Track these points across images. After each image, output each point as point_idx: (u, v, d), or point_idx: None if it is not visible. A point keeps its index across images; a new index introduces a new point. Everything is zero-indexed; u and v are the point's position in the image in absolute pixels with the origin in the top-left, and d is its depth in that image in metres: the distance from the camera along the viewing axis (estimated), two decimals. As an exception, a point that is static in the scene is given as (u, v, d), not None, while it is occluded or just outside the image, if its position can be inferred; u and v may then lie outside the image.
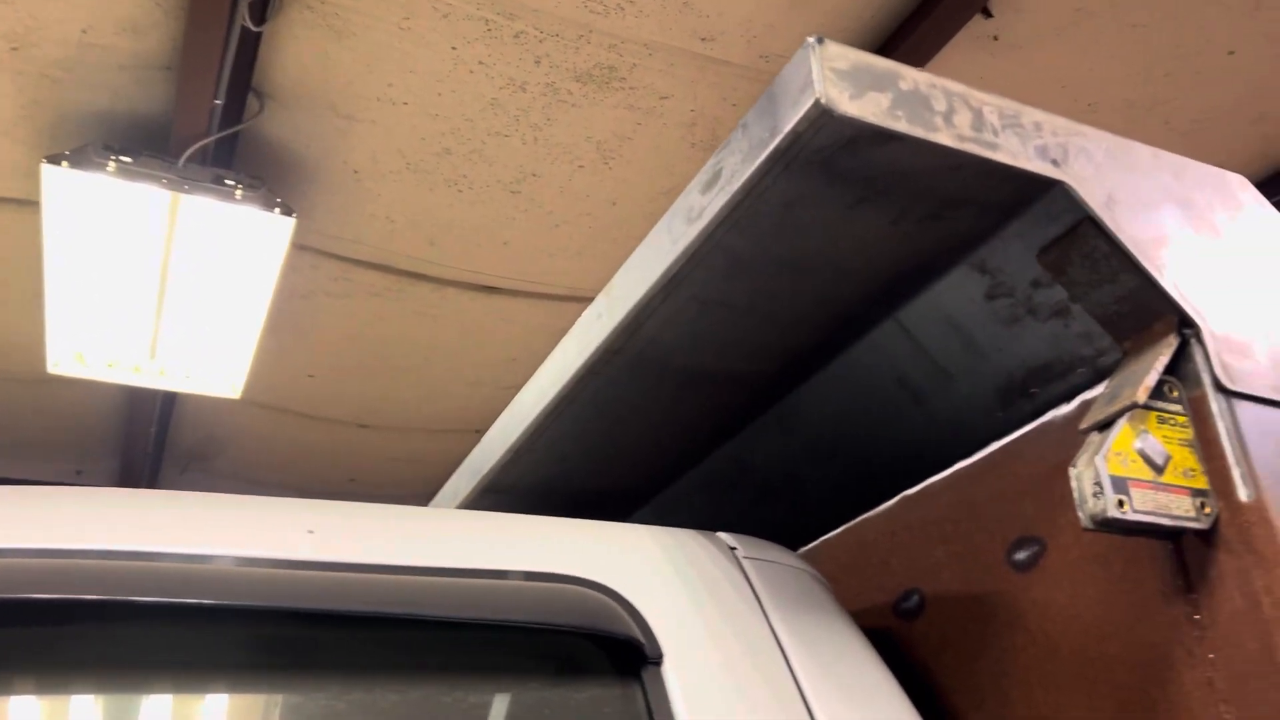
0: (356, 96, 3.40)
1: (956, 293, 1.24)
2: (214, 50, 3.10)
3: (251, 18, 3.01)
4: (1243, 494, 1.01)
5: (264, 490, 5.54)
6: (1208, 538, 1.02)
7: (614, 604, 1.08)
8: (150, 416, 4.78)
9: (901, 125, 1.01)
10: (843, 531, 1.53)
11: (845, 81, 1.00)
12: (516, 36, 3.21)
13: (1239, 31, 3.30)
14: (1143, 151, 1.15)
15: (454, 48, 3.24)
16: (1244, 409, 1.05)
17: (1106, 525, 0.98)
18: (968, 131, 1.04)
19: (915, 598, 1.36)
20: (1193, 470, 1.03)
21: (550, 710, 1.05)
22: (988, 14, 3.25)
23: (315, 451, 5.25)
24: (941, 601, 1.32)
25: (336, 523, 1.07)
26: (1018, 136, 1.07)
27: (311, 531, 1.04)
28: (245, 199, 3.43)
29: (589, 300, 1.56)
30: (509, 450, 1.59)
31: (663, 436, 1.60)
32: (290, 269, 4.01)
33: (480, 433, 1.90)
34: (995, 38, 3.33)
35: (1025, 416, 1.25)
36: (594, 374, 1.39)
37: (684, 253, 1.17)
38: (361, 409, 4.94)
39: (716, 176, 1.13)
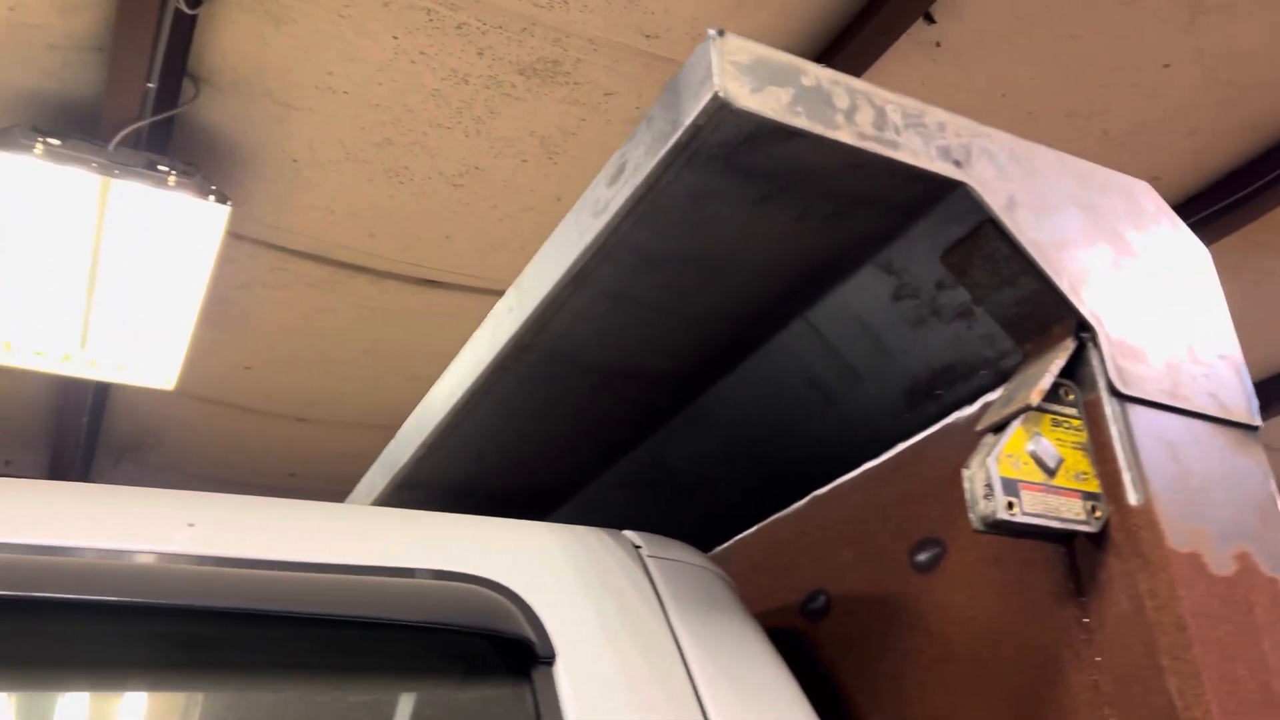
0: (295, 84, 3.33)
1: (864, 293, 1.24)
2: (146, 32, 3.02)
3: (186, 0, 2.94)
4: (1132, 498, 1.01)
5: (201, 484, 5.43)
6: (1098, 541, 1.03)
7: (507, 602, 1.06)
8: (82, 407, 4.66)
9: (802, 121, 1.00)
10: (756, 531, 1.52)
11: (746, 75, 0.99)
12: (459, 28, 3.17)
13: (1173, 45, 3.36)
14: (1047, 155, 1.15)
15: (395, 37, 3.19)
16: (1137, 413, 1.05)
17: (996, 527, 0.98)
18: (869, 130, 1.03)
19: (822, 598, 1.36)
20: (1085, 473, 1.04)
21: (436, 709, 1.03)
22: (930, 20, 3.27)
23: (253, 445, 5.15)
24: (847, 602, 1.32)
25: (219, 517, 1.03)
26: (920, 136, 1.06)
27: (191, 525, 1.00)
28: (179, 185, 3.35)
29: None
30: (422, 446, 1.56)
31: (579, 434, 1.58)
32: (226, 258, 3.92)
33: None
34: (938, 44, 3.36)
35: (931, 418, 1.25)
36: (505, 369, 1.37)
37: (590, 246, 1.16)
38: (300, 402, 4.85)
39: (621, 169, 1.11)
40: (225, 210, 3.39)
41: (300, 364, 4.60)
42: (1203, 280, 1.19)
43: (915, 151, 1.05)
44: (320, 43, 3.19)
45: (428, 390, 1.58)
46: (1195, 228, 4.44)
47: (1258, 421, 1.12)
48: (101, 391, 4.66)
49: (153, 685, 0.95)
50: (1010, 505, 0.97)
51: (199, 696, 0.98)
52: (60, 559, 0.87)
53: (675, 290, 1.26)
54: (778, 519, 1.48)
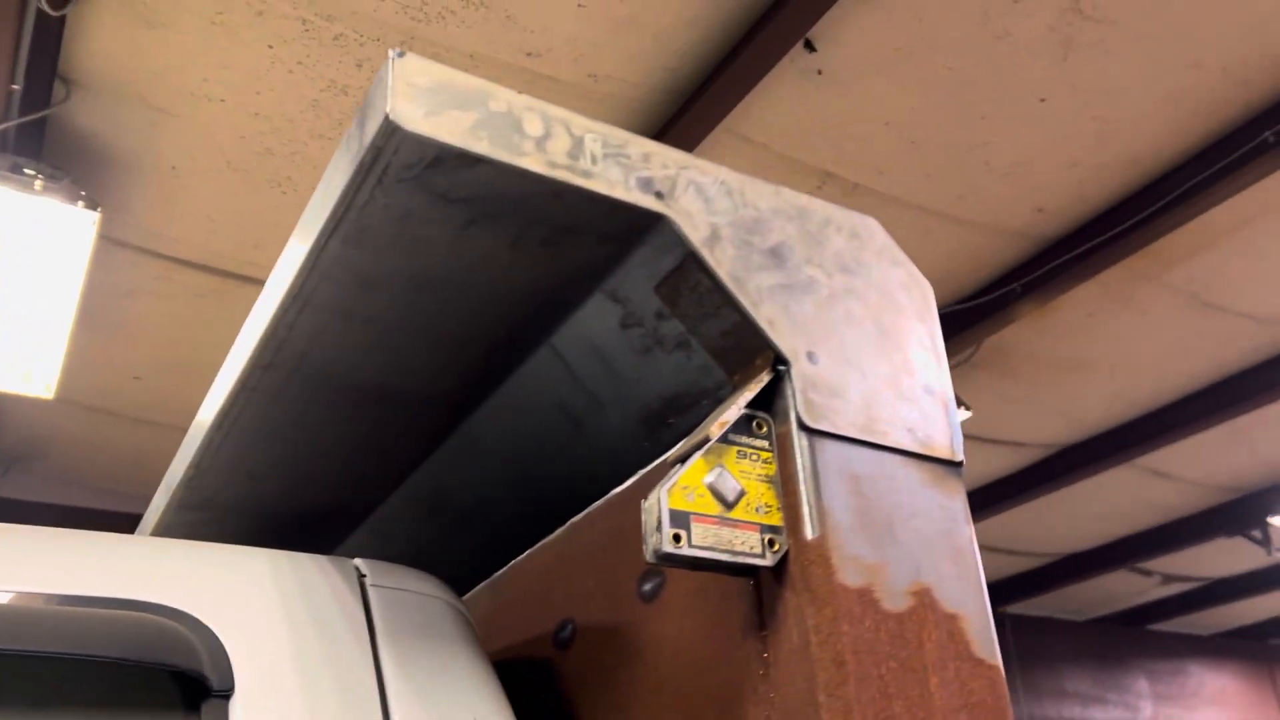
0: (170, 89, 3.28)
1: (596, 320, 1.23)
2: (8, 33, 2.96)
3: (50, 1, 2.89)
4: (809, 532, 1.01)
5: (94, 496, 5.30)
6: (778, 575, 1.02)
7: (184, 632, 1.03)
8: (-37, 414, 4.53)
9: (484, 147, 0.98)
10: (524, 559, 1.50)
11: (423, 98, 0.97)
12: (336, 39, 3.14)
13: (1049, 80, 3.43)
14: (763, 189, 1.15)
15: (271, 46, 3.15)
16: (826, 447, 1.05)
17: (666, 560, 0.97)
18: (561, 158, 1.02)
19: (569, 627, 1.34)
20: (768, 506, 1.03)
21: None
22: (811, 47, 3.30)
23: (146, 457, 5.03)
24: (588, 632, 1.30)
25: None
26: (620, 166, 1.05)
27: None
28: (46, 190, 3.28)
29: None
30: (191, 465, 1.53)
31: (354, 456, 1.55)
32: (107, 266, 3.85)
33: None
34: (819, 72, 3.39)
35: (666, 445, 1.24)
36: (251, 388, 1.34)
37: (304, 264, 1.13)
38: (193, 414, 4.75)
39: (327, 188, 1.09)
40: (95, 216, 3.32)
41: (191, 374, 4.51)
42: (919, 317, 1.20)
43: (611, 182, 1.04)
44: (193, 49, 3.15)
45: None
46: (1081, 259, 4.49)
47: (959, 457, 1.13)
48: (-16, 398, 4.53)
49: None
50: (677, 538, 0.96)
51: None
52: None
53: (411, 311, 1.24)
54: (542, 545, 1.46)
